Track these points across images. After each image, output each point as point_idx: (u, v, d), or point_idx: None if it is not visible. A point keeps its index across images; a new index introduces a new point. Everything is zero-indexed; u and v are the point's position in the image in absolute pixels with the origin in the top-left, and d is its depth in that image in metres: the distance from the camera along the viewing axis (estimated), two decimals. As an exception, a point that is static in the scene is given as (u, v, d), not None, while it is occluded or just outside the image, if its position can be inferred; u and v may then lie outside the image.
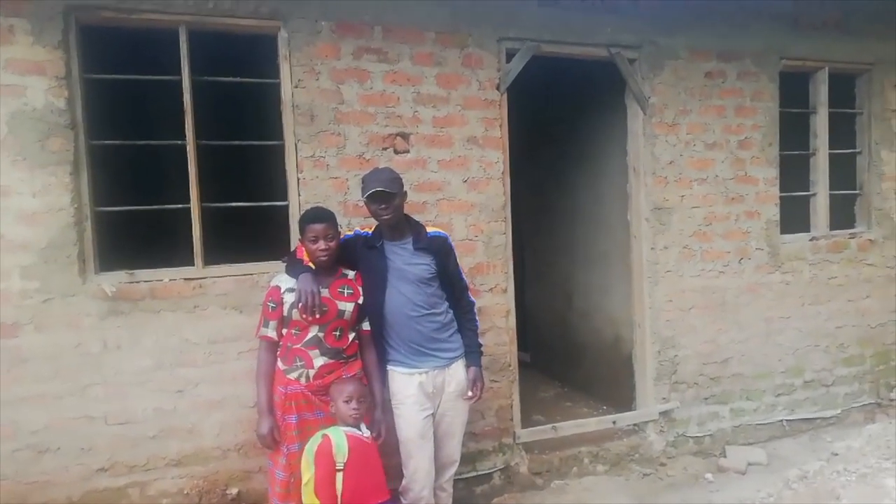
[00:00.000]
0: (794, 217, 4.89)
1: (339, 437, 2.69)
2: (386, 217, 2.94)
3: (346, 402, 2.77)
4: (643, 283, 4.35)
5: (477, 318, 3.26)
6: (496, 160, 3.86)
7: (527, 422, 4.24)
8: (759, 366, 4.65)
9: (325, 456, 2.66)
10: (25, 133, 3.01)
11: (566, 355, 5.52)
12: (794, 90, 4.81)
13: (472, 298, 3.25)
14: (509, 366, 3.98)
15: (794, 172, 4.89)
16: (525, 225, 5.71)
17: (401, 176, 3.07)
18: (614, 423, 4.37)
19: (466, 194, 3.81)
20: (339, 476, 2.65)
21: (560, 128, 5.33)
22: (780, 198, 4.68)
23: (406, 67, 3.63)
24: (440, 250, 3.06)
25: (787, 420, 4.74)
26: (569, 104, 5.14)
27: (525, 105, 4.99)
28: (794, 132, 4.86)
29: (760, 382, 4.66)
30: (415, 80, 3.65)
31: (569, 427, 4.26)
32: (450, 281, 3.11)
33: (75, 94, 3.11)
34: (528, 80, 4.07)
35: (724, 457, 4.36)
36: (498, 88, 3.84)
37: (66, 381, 3.10)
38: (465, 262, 3.75)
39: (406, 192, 3.08)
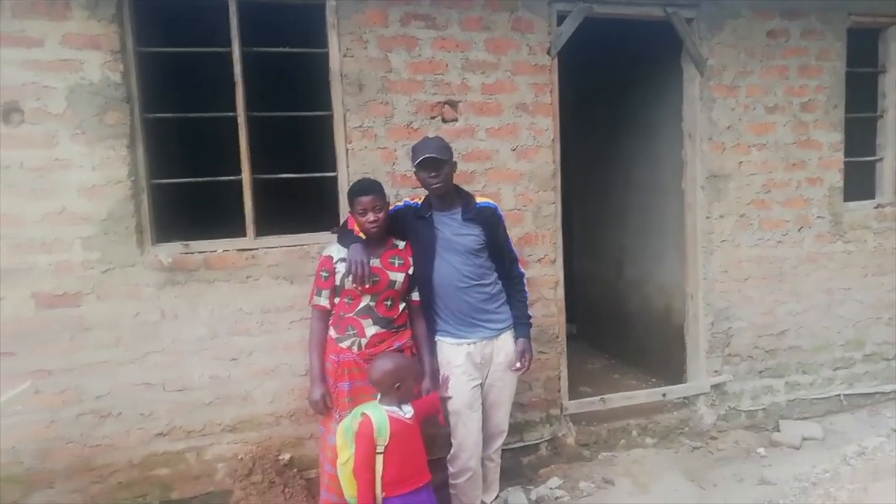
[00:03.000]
0: (858, 183, 4.67)
1: (381, 419, 2.58)
2: (436, 185, 2.91)
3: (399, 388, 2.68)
4: (697, 253, 4.23)
5: (526, 289, 3.22)
6: (546, 127, 3.77)
7: (574, 393, 4.22)
8: (817, 338, 4.51)
9: (365, 438, 2.56)
10: (83, 107, 3.05)
11: (615, 326, 5.45)
12: (861, 49, 4.55)
13: (522, 270, 3.22)
14: (557, 337, 3.95)
15: (859, 136, 4.65)
16: (575, 193, 5.60)
17: (450, 145, 3.02)
18: (664, 395, 4.32)
19: (515, 163, 3.74)
20: (380, 459, 2.57)
21: (612, 92, 5.17)
22: (845, 163, 4.47)
23: (454, 33, 3.55)
24: (489, 221, 3.02)
25: (844, 395, 4.60)
26: (622, 68, 4.98)
27: (576, 69, 4.85)
28: (860, 93, 4.61)
29: (818, 356, 4.52)
30: (463, 45, 3.57)
31: (617, 399, 4.23)
32: (499, 252, 3.08)
33: (130, 67, 3.14)
34: (580, 44, 3.93)
35: (778, 431, 4.26)
36: (548, 53, 3.73)
37: (126, 349, 3.20)
38: (513, 233, 3.68)
39: (456, 162, 3.04)
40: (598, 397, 4.19)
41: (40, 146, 3.03)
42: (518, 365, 3.13)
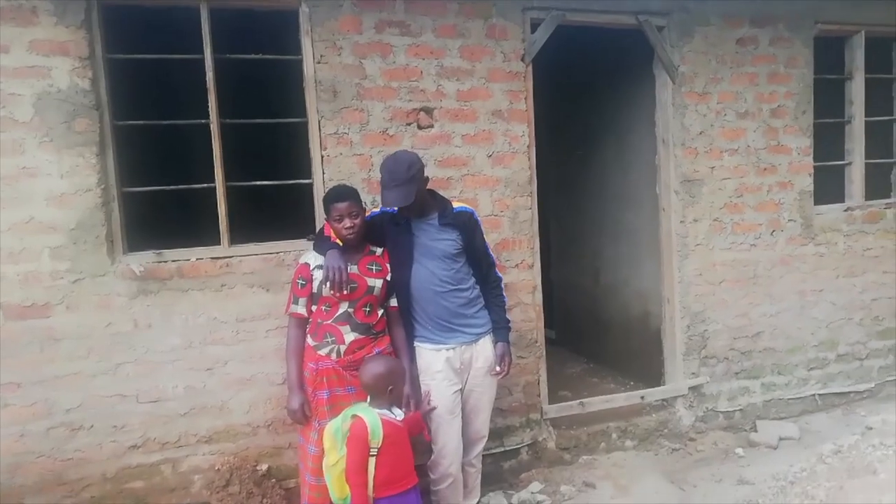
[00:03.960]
0: (828, 187, 4.76)
1: (374, 422, 2.61)
2: (405, 212, 2.94)
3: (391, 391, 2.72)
4: (672, 257, 4.28)
5: (504, 293, 3.23)
6: (521, 133, 3.79)
7: (554, 398, 4.22)
8: (791, 339, 4.57)
9: (359, 440, 2.59)
10: (51, 114, 3.00)
11: (593, 331, 5.48)
12: (828, 56, 4.65)
13: (500, 274, 3.23)
14: (536, 342, 3.96)
15: (828, 141, 4.75)
16: (551, 199, 5.62)
17: (420, 159, 2.97)
18: (643, 398, 4.34)
19: (491, 169, 3.75)
20: (372, 461, 2.59)
21: (586, 99, 5.22)
22: (815, 167, 4.55)
23: (429, 40, 3.56)
24: (466, 225, 3.03)
25: (819, 394, 4.67)
26: (595, 74, 5.04)
27: (550, 76, 4.89)
28: (828, 99, 4.71)
29: (793, 356, 4.59)
30: (438, 52, 3.58)
31: (597, 403, 4.24)
32: (476, 256, 3.08)
33: (99, 74, 3.10)
34: (554, 51, 3.98)
35: (755, 431, 4.31)
36: (523, 60, 3.76)
37: (98, 360, 3.14)
38: (490, 238, 3.70)
39: (427, 178, 3.01)
40: (578, 401, 4.20)
41: (7, 154, 2.97)
42: (497, 369, 3.13)
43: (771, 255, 4.48)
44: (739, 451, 4.11)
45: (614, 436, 4.15)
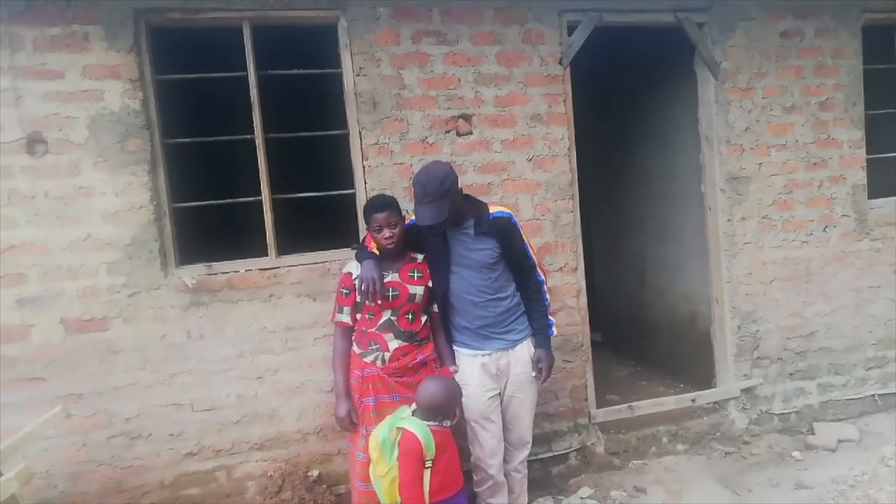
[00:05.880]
0: (882, 180, 4.60)
1: (426, 435, 2.58)
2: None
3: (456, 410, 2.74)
4: (720, 257, 4.19)
5: (546, 297, 3.14)
6: (561, 137, 3.78)
7: (601, 402, 4.18)
8: (848, 338, 4.42)
9: (413, 455, 2.56)
10: (105, 135, 3.13)
11: (639, 334, 5.40)
12: (879, 45, 4.50)
13: (542, 277, 3.11)
14: (582, 346, 3.93)
15: (882, 133, 4.59)
16: (593, 201, 5.58)
17: (454, 162, 2.99)
18: (693, 401, 4.25)
19: (532, 173, 3.74)
20: (427, 473, 2.58)
21: (626, 100, 5.17)
22: (867, 160, 4.40)
23: (466, 48, 3.58)
24: (503, 231, 2.96)
25: (879, 395, 4.50)
26: (634, 74, 4.98)
27: (589, 78, 4.86)
28: (881, 90, 4.55)
29: (850, 356, 4.43)
30: (475, 60, 3.60)
31: (646, 406, 4.18)
32: (516, 261, 3.02)
33: (149, 95, 3.22)
34: (591, 52, 3.95)
35: (813, 434, 4.17)
36: (560, 63, 3.75)
37: (154, 371, 3.24)
38: (533, 243, 3.68)
39: (459, 190, 2.96)
40: (626, 405, 4.15)
41: (64, 175, 3.10)
42: (534, 374, 3.07)
43: (824, 251, 4.35)
44: (796, 454, 3.99)
45: (665, 440, 4.08)
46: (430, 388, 2.67)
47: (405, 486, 2.57)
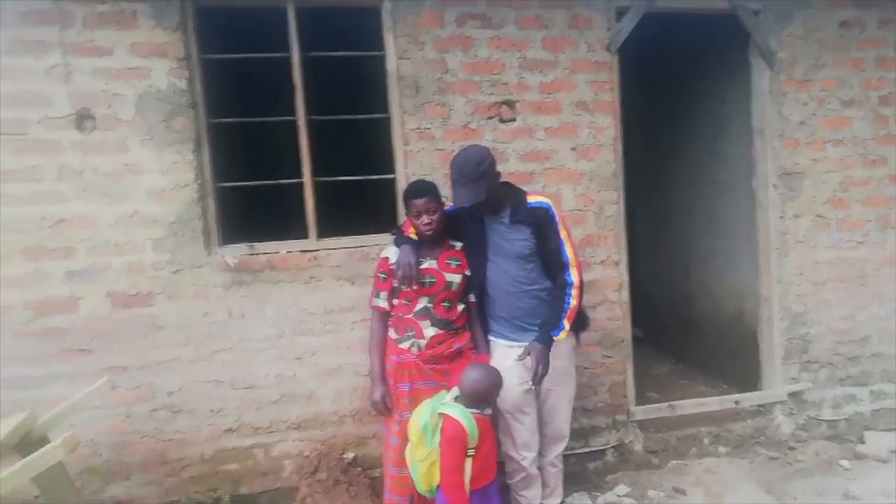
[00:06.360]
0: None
1: (471, 424, 2.56)
2: (477, 208, 2.86)
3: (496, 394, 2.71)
4: (770, 255, 4.05)
5: (570, 300, 2.87)
6: (607, 126, 3.70)
7: (641, 399, 4.09)
8: (904, 345, 4.22)
9: (457, 443, 2.54)
10: (151, 113, 3.19)
11: (682, 330, 5.26)
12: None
13: (571, 278, 2.87)
14: (622, 341, 3.84)
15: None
16: (638, 193, 5.44)
17: (496, 150, 2.94)
18: (737, 403, 4.13)
19: (575, 163, 3.68)
20: (469, 461, 2.57)
21: (675, 88, 5.04)
22: (931, 158, 4.20)
23: (511, 32, 3.53)
24: (539, 221, 2.87)
25: (937, 405, 4.29)
26: (684, 63, 4.85)
27: (637, 66, 4.74)
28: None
29: (906, 363, 4.24)
30: (520, 45, 3.55)
31: (687, 405, 4.07)
32: (547, 255, 2.89)
33: (195, 74, 3.26)
34: (640, 39, 3.85)
35: (863, 443, 4.00)
36: (608, 49, 3.66)
37: (196, 347, 3.30)
38: (575, 234, 3.62)
39: (498, 173, 2.89)
40: (667, 403, 4.05)
41: (112, 152, 3.17)
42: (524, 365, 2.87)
43: (880, 253, 4.16)
44: (845, 463, 3.83)
45: (706, 441, 3.96)
46: (473, 375, 2.65)
47: (447, 473, 2.56)
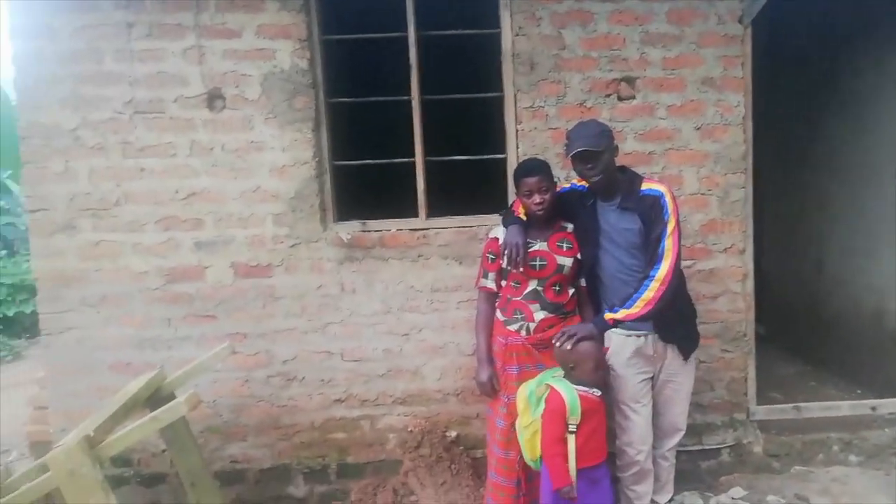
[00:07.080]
0: None
1: (572, 398, 2.54)
2: (595, 178, 2.70)
3: (596, 368, 2.61)
4: (920, 248, 3.64)
5: (652, 292, 2.63)
6: (736, 104, 3.44)
7: (762, 399, 3.82)
8: None
9: (556, 415, 2.54)
10: (275, 93, 3.31)
11: (812, 329, 4.87)
12: None
13: (657, 272, 2.64)
14: (744, 335, 3.60)
15: None
16: (766, 176, 5.04)
17: (613, 129, 2.81)
18: (873, 409, 3.80)
19: (699, 143, 3.46)
20: (571, 438, 2.53)
21: (813, 64, 4.64)
22: None
23: (633, 5, 3.36)
24: (648, 209, 2.68)
25: None
26: (824, 36, 4.44)
27: (770, 39, 4.39)
28: None
29: None
30: (643, 18, 3.37)
31: (815, 409, 3.80)
32: (647, 243, 2.69)
33: (316, 54, 3.36)
34: (772, 10, 3.54)
35: None
36: (741, 21, 3.40)
37: (310, 319, 3.43)
38: (695, 219, 3.46)
39: (617, 147, 2.77)
40: (792, 405, 3.79)
41: (238, 130, 3.33)
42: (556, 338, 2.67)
43: None
44: None
45: (835, 448, 3.65)
46: (582, 346, 2.60)
47: (547, 444, 2.58)
